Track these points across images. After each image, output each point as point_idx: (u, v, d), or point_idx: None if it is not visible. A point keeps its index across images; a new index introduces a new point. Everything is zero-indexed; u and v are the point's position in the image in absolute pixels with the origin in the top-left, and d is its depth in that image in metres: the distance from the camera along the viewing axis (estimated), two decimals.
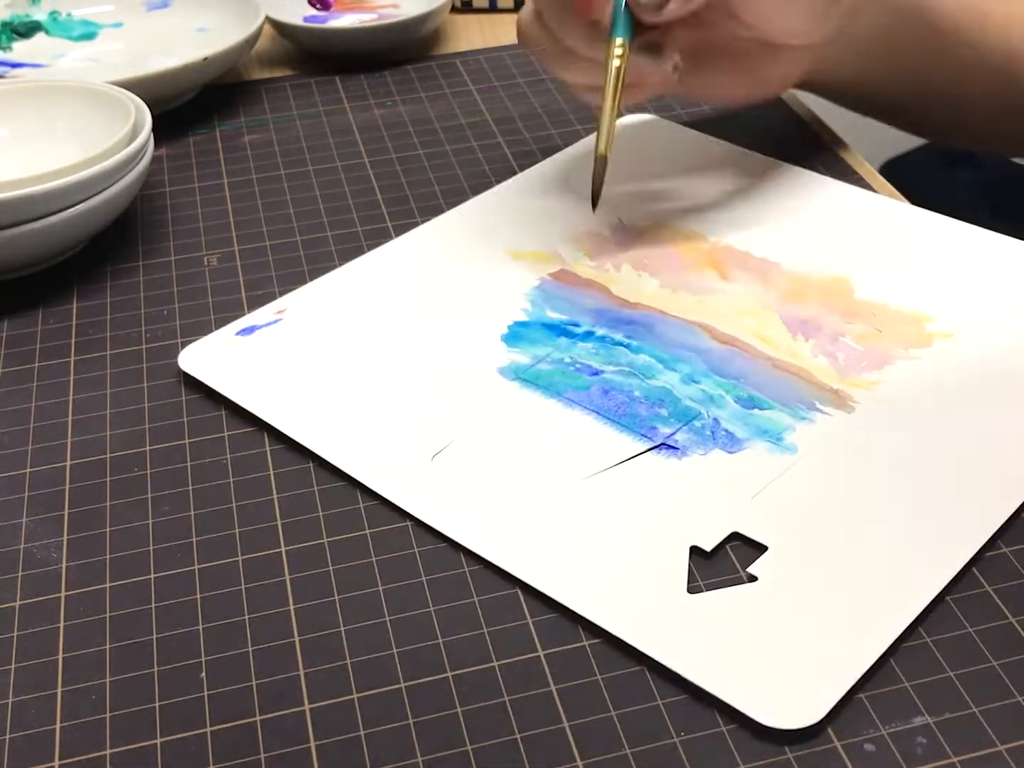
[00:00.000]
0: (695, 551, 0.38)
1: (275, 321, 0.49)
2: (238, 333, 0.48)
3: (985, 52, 0.56)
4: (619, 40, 0.47)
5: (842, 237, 0.52)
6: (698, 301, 0.49)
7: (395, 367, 0.46)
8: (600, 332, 0.47)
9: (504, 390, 0.44)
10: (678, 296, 0.49)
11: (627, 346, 0.46)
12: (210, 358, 0.47)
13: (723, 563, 0.37)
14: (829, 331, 0.46)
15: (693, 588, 0.36)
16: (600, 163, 0.49)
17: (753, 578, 0.36)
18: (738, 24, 0.49)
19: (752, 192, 0.55)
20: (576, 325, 0.48)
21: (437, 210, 0.57)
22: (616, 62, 0.47)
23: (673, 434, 0.42)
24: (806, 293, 0.49)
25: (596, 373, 0.45)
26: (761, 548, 0.37)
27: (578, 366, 0.45)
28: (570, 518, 0.39)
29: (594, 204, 0.50)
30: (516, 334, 0.47)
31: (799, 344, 0.46)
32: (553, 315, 0.48)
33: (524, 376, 0.45)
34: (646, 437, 0.42)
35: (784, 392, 0.44)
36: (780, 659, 0.34)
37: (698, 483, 0.40)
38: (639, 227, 0.54)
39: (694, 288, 0.49)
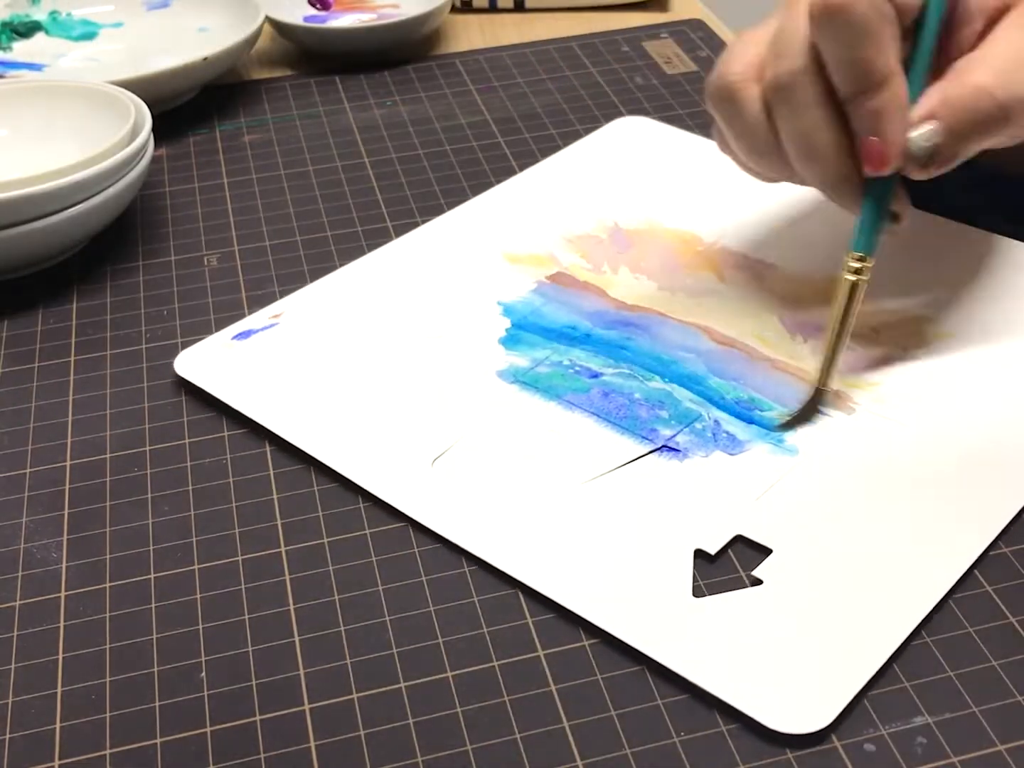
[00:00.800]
0: (699, 554, 0.38)
1: (271, 325, 0.49)
2: (234, 337, 0.48)
3: None
4: (858, 255, 0.42)
5: (837, 238, 0.52)
6: (696, 303, 0.49)
7: (393, 371, 0.46)
8: (598, 334, 0.47)
9: (503, 393, 0.44)
10: (676, 298, 0.49)
11: (626, 348, 0.46)
12: (207, 363, 0.47)
13: (727, 566, 0.37)
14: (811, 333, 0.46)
15: (697, 591, 0.36)
16: (818, 398, 0.43)
17: (758, 581, 0.36)
18: None
19: (748, 193, 0.55)
20: (574, 328, 0.47)
21: (437, 210, 0.57)
22: (852, 278, 0.42)
23: (674, 436, 0.42)
24: (804, 294, 0.49)
25: (596, 375, 0.45)
26: (765, 551, 0.37)
27: (577, 368, 0.45)
28: (573, 521, 0.39)
29: (791, 426, 0.42)
30: (514, 337, 0.47)
31: (798, 345, 0.46)
32: (551, 318, 0.48)
33: (523, 379, 0.45)
34: (647, 439, 0.42)
35: (784, 393, 0.44)
36: (787, 663, 0.34)
37: (700, 485, 0.40)
38: (635, 229, 0.54)
39: (692, 290, 0.49)
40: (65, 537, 0.40)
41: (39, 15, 0.75)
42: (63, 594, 0.38)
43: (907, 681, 0.34)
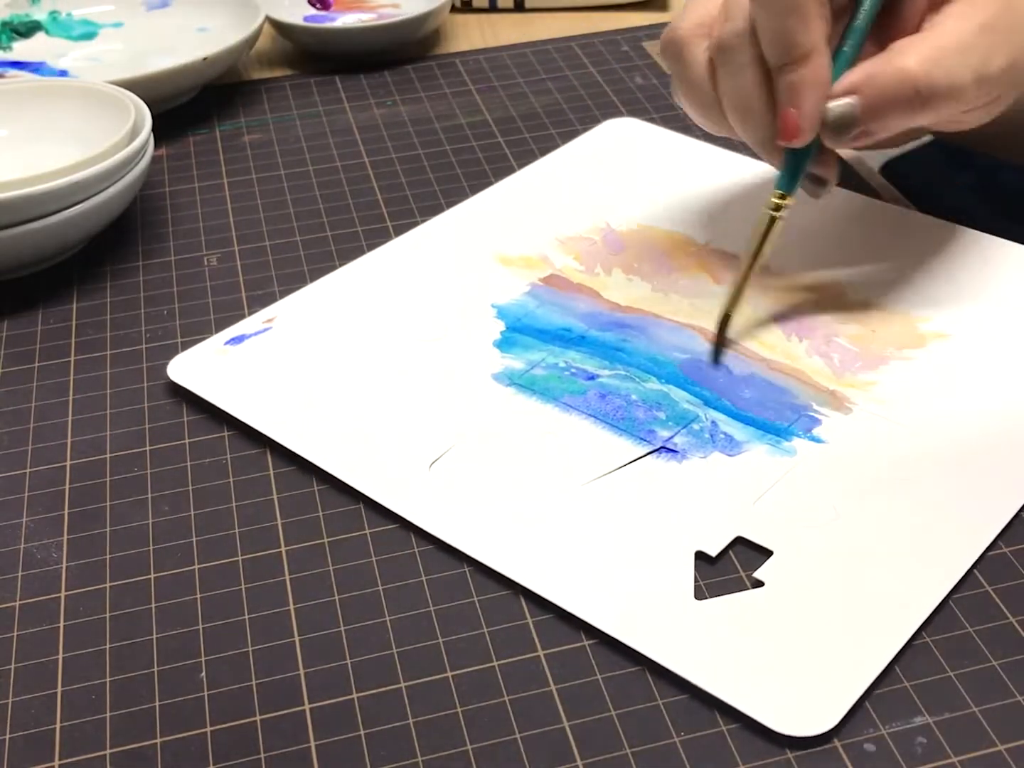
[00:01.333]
0: (699, 555, 0.38)
1: (264, 330, 0.48)
2: (227, 343, 0.48)
3: None
4: (780, 192, 0.44)
5: (833, 239, 0.52)
6: (690, 304, 0.48)
7: (388, 374, 0.45)
8: (593, 336, 0.47)
9: (499, 396, 0.44)
10: (670, 299, 0.49)
11: (621, 350, 0.46)
12: (200, 368, 0.46)
13: (727, 567, 0.37)
14: (823, 332, 0.46)
15: (698, 593, 0.36)
16: (726, 323, 0.45)
17: (759, 583, 0.36)
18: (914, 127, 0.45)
19: (741, 195, 0.55)
20: (569, 330, 0.47)
21: (437, 210, 0.57)
22: (771, 215, 0.44)
23: (672, 437, 0.42)
24: (798, 295, 0.49)
25: (592, 377, 0.45)
26: (766, 552, 0.37)
27: (573, 371, 0.45)
28: (571, 524, 0.39)
29: (716, 359, 0.45)
30: (509, 340, 0.47)
31: (793, 345, 0.46)
32: (545, 320, 0.48)
33: (519, 381, 0.45)
34: (645, 440, 0.42)
35: (782, 395, 0.44)
36: (790, 665, 0.34)
37: (699, 487, 0.40)
38: (628, 231, 0.54)
39: (686, 291, 0.49)
40: (65, 537, 0.40)
41: (39, 15, 0.75)
42: (63, 594, 0.38)
43: (907, 681, 0.34)
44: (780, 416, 0.43)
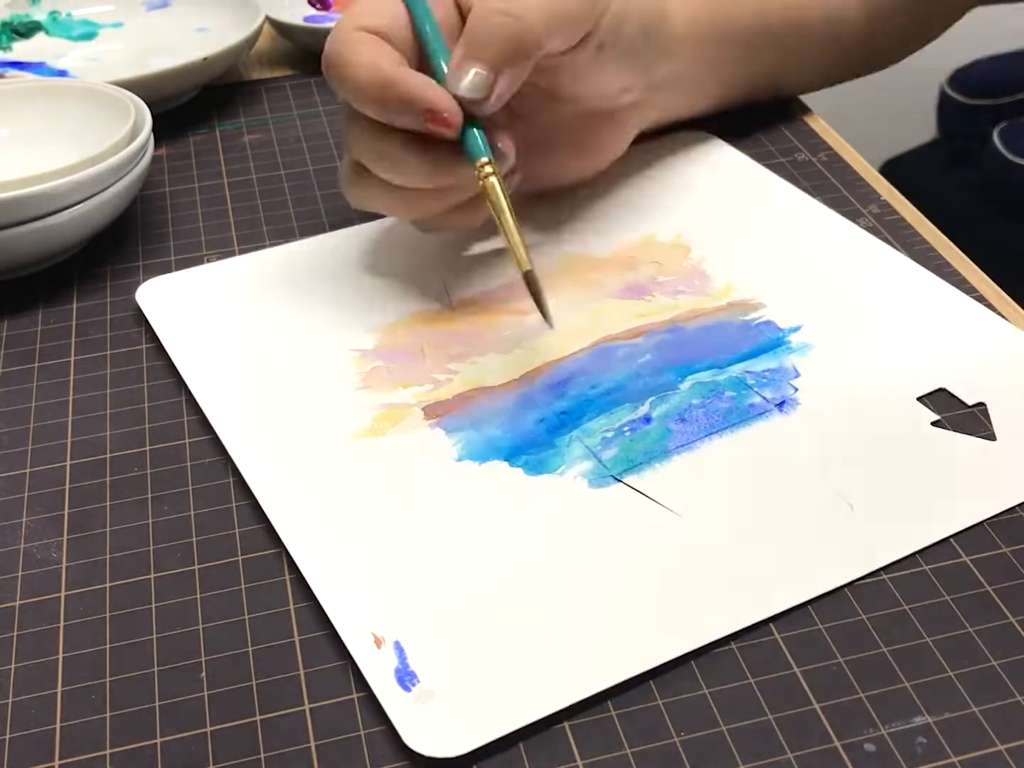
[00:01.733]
0: None
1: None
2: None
3: (809, 33, 0.59)
4: (484, 159, 0.44)
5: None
6: (532, 345, 0.46)
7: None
8: (566, 403, 0.43)
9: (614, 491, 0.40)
10: (526, 349, 0.46)
11: (608, 391, 0.44)
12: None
13: None
14: (651, 282, 0.49)
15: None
16: (532, 279, 0.44)
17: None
18: (560, 103, 0.49)
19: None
20: (541, 420, 0.43)
21: None
22: (493, 179, 0.44)
23: (771, 398, 0.43)
24: (603, 269, 0.51)
25: (649, 419, 0.43)
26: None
27: (625, 428, 0.42)
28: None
29: (548, 318, 0.45)
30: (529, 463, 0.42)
31: (661, 300, 0.48)
32: (502, 430, 0.43)
33: (615, 469, 0.41)
34: (758, 415, 0.42)
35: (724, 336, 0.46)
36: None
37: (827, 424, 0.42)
38: (457, 308, 0.49)
39: (515, 338, 0.47)
40: (65, 537, 0.40)
41: (39, 15, 0.75)
42: (63, 594, 0.38)
43: (907, 681, 0.34)
44: (753, 340, 0.46)
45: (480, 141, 0.45)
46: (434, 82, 0.44)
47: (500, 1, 0.44)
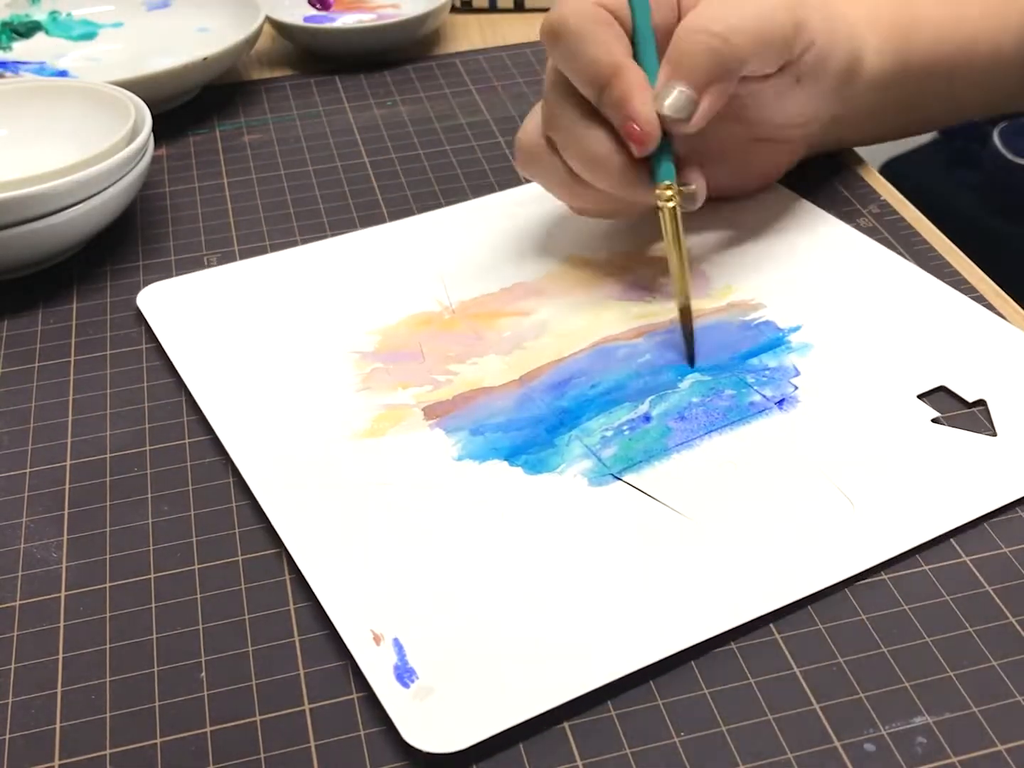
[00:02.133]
0: None
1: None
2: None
3: (975, 71, 0.56)
4: (667, 182, 0.45)
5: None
6: (524, 348, 0.46)
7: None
8: (565, 403, 0.43)
9: (608, 494, 0.40)
10: (529, 350, 0.46)
11: (609, 391, 0.44)
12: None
13: None
14: (651, 282, 0.49)
15: None
16: (687, 313, 0.45)
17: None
18: (740, 124, 0.49)
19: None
20: (539, 420, 0.43)
21: (437, 209, 0.57)
22: (674, 206, 0.45)
23: (770, 396, 0.43)
24: (603, 269, 0.51)
25: (647, 418, 0.43)
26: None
27: (625, 428, 0.42)
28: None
29: (692, 358, 0.45)
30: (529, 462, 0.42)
31: (661, 300, 0.48)
32: (503, 432, 0.43)
33: (614, 466, 0.41)
34: (759, 411, 0.42)
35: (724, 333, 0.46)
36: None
37: (827, 419, 0.42)
38: (466, 311, 0.49)
39: (518, 337, 0.47)
40: (65, 537, 0.40)
41: (39, 15, 0.75)
42: (63, 594, 0.38)
43: (907, 681, 0.34)
44: (753, 340, 0.45)
45: (670, 164, 0.45)
46: (649, 89, 0.44)
47: (708, 20, 0.44)
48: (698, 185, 0.46)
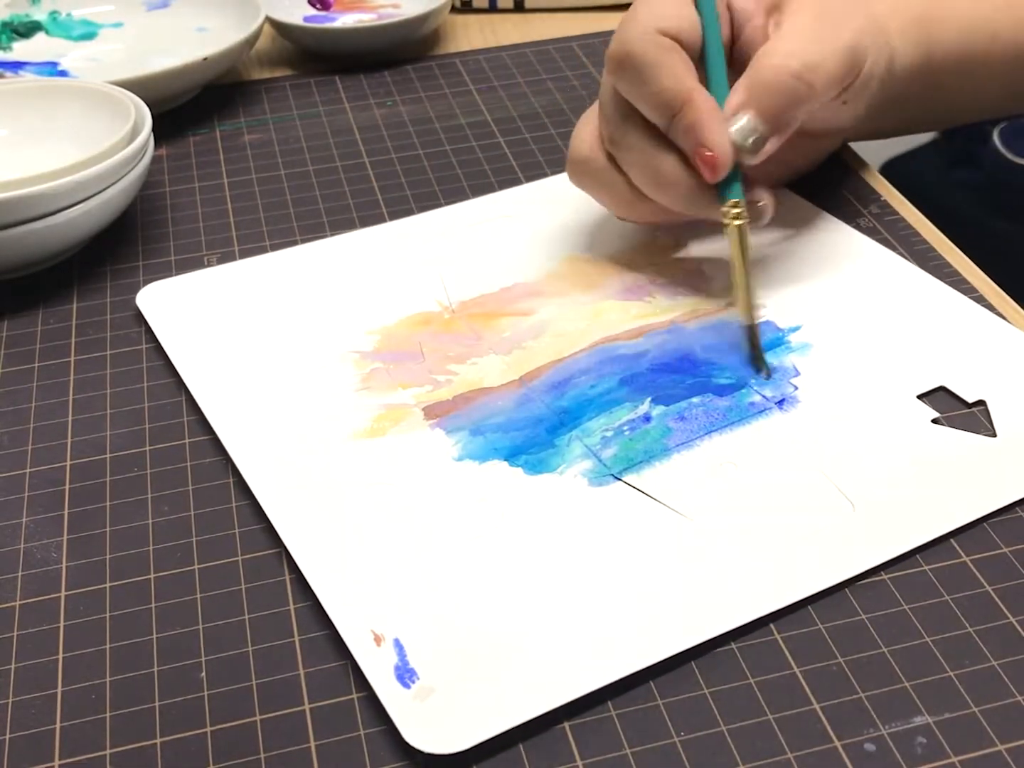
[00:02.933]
0: None
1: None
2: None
3: (996, 65, 0.56)
4: (736, 199, 0.45)
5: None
6: (527, 347, 0.46)
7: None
8: (565, 403, 0.43)
9: (608, 493, 0.40)
10: (531, 350, 0.46)
11: (609, 392, 0.44)
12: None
13: None
14: (651, 282, 0.49)
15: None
16: (754, 332, 0.45)
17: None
18: None
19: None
20: (539, 420, 0.43)
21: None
22: (743, 224, 0.45)
23: (770, 396, 0.43)
24: (603, 270, 0.51)
25: (648, 418, 0.43)
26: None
27: (624, 429, 0.42)
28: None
29: (760, 368, 0.44)
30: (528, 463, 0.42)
31: (661, 300, 0.48)
32: (502, 432, 0.43)
33: (615, 467, 0.41)
34: (759, 411, 0.42)
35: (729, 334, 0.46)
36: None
37: (825, 421, 0.42)
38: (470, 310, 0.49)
39: (517, 337, 0.47)
40: (65, 537, 0.40)
41: (39, 15, 0.75)
42: (63, 594, 0.38)
43: (907, 681, 0.34)
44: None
45: (739, 183, 0.45)
46: (720, 115, 0.44)
47: (788, 56, 0.44)
48: (767, 201, 0.46)
